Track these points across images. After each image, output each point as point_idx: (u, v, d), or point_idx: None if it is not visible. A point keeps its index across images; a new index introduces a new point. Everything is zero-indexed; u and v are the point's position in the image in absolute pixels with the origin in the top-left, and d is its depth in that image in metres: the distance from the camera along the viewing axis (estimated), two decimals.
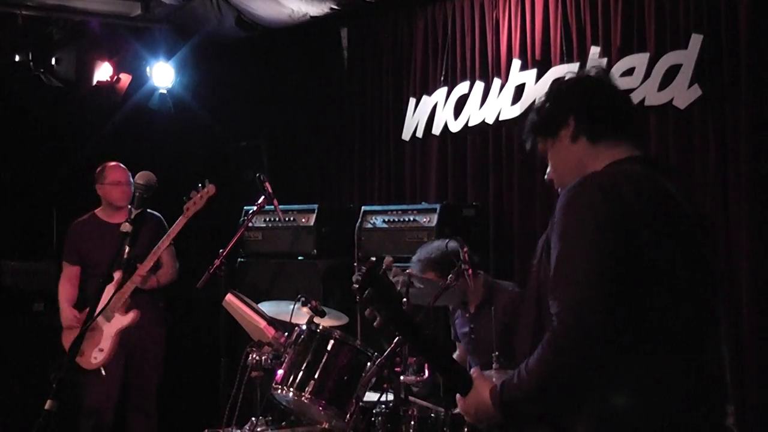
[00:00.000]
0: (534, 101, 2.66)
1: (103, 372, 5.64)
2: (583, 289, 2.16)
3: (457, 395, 2.44)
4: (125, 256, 3.14)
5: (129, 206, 3.26)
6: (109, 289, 5.29)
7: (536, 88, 5.94)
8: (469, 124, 6.42)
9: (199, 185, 5.65)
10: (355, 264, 6.18)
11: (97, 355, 5.62)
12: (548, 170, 2.58)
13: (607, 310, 2.14)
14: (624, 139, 2.45)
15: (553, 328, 2.18)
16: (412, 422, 4.36)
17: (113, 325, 5.66)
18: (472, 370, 2.45)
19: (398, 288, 4.22)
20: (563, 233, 2.25)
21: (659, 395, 2.20)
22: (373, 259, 2.41)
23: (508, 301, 4.84)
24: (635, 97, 5.38)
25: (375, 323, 3.28)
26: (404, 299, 4.59)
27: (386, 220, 6.16)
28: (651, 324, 2.21)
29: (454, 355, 5.33)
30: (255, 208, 5.28)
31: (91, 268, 5.80)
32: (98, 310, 3.25)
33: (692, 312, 2.27)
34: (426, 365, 4.64)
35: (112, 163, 5.88)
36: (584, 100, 2.49)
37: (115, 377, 5.80)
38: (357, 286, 2.39)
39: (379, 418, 4.50)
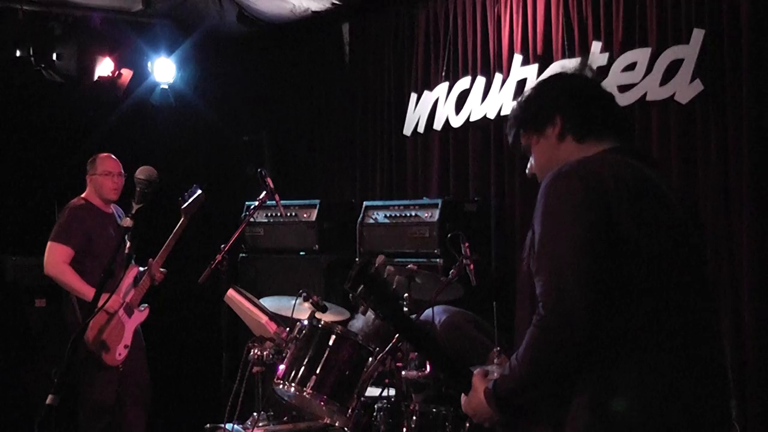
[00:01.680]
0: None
1: (122, 368, 5.64)
2: (564, 269, 2.18)
3: (462, 395, 2.45)
4: (126, 252, 3.13)
5: (131, 201, 3.24)
6: (127, 282, 5.40)
7: None
8: (471, 120, 6.41)
9: (191, 189, 5.55)
10: (357, 260, 6.19)
11: (122, 351, 5.62)
12: (530, 164, 2.59)
13: (588, 290, 2.16)
14: (609, 135, 2.46)
15: (538, 310, 2.20)
16: (414, 417, 4.37)
17: (133, 320, 5.70)
18: (476, 370, 2.45)
19: (394, 286, 4.23)
20: (543, 217, 2.28)
21: (659, 389, 2.20)
22: (366, 256, 2.41)
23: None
24: (637, 93, 5.38)
25: (379, 333, 3.29)
26: (404, 295, 4.61)
27: (388, 215, 6.16)
28: (643, 312, 2.22)
29: None
30: (256, 203, 5.27)
31: (92, 255, 5.70)
32: (98, 308, 3.24)
33: (684, 300, 2.28)
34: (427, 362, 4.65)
35: (104, 154, 5.86)
36: (572, 99, 2.50)
37: (140, 369, 5.85)
38: (349, 283, 2.40)
39: (381, 413, 4.51)
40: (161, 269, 5.68)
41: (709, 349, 2.31)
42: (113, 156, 5.88)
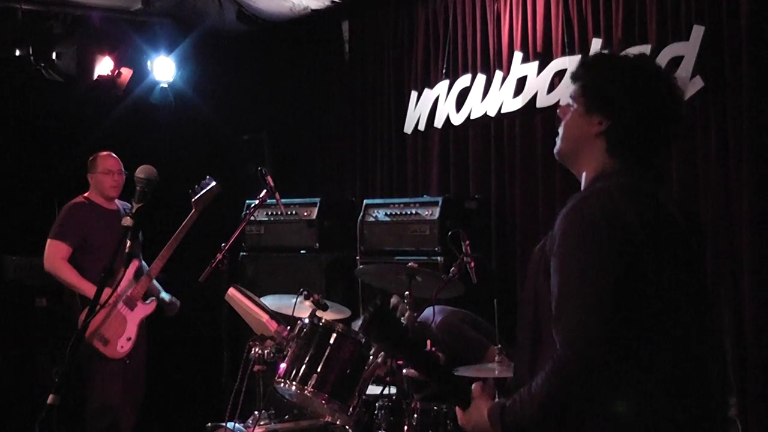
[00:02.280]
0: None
1: (128, 361, 5.64)
2: (586, 320, 2.15)
3: (458, 409, 2.45)
4: (126, 251, 3.13)
5: (131, 200, 3.24)
6: (127, 278, 5.46)
7: (538, 81, 5.94)
8: (471, 117, 6.41)
9: (205, 180, 5.62)
10: (357, 258, 6.19)
11: (124, 344, 5.62)
12: (566, 111, 2.47)
13: (610, 340, 2.14)
14: (641, 163, 2.38)
15: (558, 357, 2.17)
16: (415, 415, 4.37)
17: (137, 313, 5.69)
18: (473, 386, 2.45)
19: (404, 323, 4.26)
20: (564, 262, 2.22)
21: (662, 405, 2.21)
22: (378, 302, 2.41)
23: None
24: None
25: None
26: (408, 329, 4.63)
27: (388, 213, 6.16)
28: (652, 342, 2.21)
29: None
30: (257, 201, 5.27)
31: (90, 252, 5.71)
32: (99, 307, 3.23)
33: (695, 341, 2.28)
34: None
35: (104, 153, 5.88)
36: (636, 112, 2.35)
37: (140, 367, 5.84)
38: (364, 326, 2.40)
39: (382, 412, 4.50)
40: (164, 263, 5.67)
41: (713, 377, 2.33)
42: (113, 154, 5.89)
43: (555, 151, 2.50)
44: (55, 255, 5.69)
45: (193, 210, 5.55)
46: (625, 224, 2.20)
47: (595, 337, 2.14)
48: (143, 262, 5.80)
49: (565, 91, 2.55)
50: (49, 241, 5.73)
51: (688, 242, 2.34)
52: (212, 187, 5.53)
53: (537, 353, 2.30)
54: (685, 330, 2.26)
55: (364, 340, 4.22)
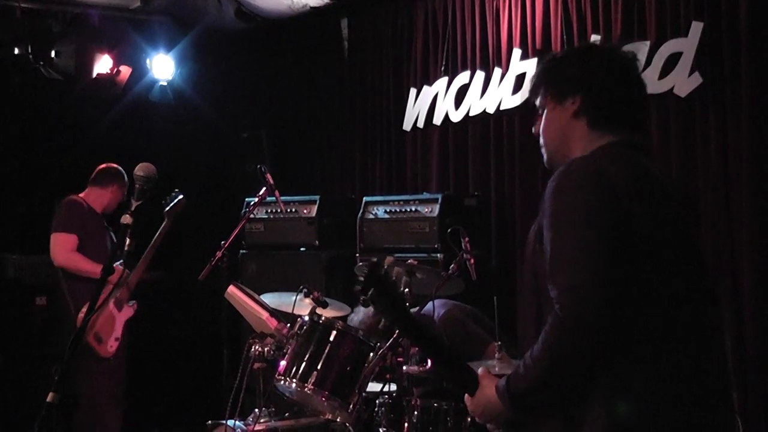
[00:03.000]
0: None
1: (112, 360, 5.78)
2: (580, 272, 2.16)
3: (466, 396, 2.43)
4: (126, 248, 3.13)
5: (130, 198, 3.24)
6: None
7: None
8: (470, 114, 6.41)
9: (173, 194, 5.76)
10: (357, 255, 6.19)
11: (113, 344, 5.76)
12: (538, 124, 2.55)
13: (605, 291, 2.14)
14: (622, 127, 2.43)
15: (554, 312, 2.18)
16: (415, 412, 4.37)
17: (123, 314, 5.84)
18: (479, 370, 2.44)
19: (402, 288, 4.23)
20: (554, 219, 2.25)
21: (673, 394, 2.20)
22: (375, 260, 2.39)
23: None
24: None
25: (380, 325, 3.27)
26: (407, 292, 4.61)
27: (388, 210, 6.16)
28: (657, 312, 2.21)
29: None
30: (256, 199, 5.27)
31: (82, 251, 5.80)
32: (98, 305, 3.23)
33: (692, 297, 2.28)
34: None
35: (121, 173, 6.03)
36: (602, 82, 2.44)
37: (121, 365, 5.94)
38: (360, 288, 2.38)
39: (382, 409, 4.50)
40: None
41: (715, 345, 2.32)
42: (126, 176, 5.99)
43: (545, 160, 2.54)
44: (65, 247, 5.75)
45: (166, 220, 5.71)
46: (609, 177, 2.23)
47: (588, 287, 2.14)
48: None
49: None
50: (55, 235, 5.78)
51: (676, 204, 2.35)
52: (180, 199, 5.70)
53: (540, 329, 2.28)
54: (681, 292, 2.26)
55: (361, 335, 4.21)
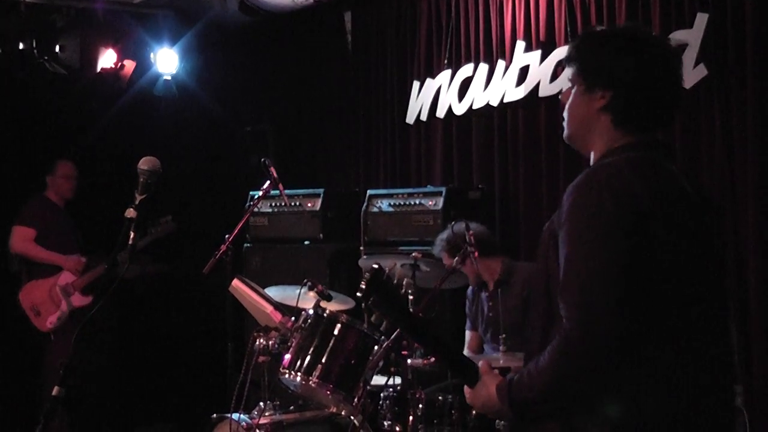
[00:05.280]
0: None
1: (52, 337, 6.42)
2: (592, 293, 2.12)
3: (465, 388, 2.43)
4: (130, 242, 3.13)
5: (134, 191, 3.23)
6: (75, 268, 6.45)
7: (540, 70, 5.92)
8: (474, 107, 6.40)
9: (164, 218, 6.39)
10: (361, 248, 6.19)
11: (53, 320, 6.40)
12: (568, 93, 2.45)
13: (617, 314, 2.10)
14: (648, 129, 2.37)
15: (564, 331, 2.14)
16: (420, 405, 4.37)
17: (71, 301, 6.45)
18: (480, 363, 2.44)
19: (402, 290, 4.23)
20: (571, 234, 2.20)
21: (670, 393, 2.18)
22: (375, 266, 2.37)
23: (526, 275, 4.87)
24: None
25: (382, 327, 3.27)
26: (409, 293, 4.60)
27: (392, 203, 6.16)
28: (663, 323, 2.18)
29: (466, 342, 5.34)
30: (260, 193, 5.27)
31: (44, 245, 6.51)
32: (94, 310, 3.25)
33: (705, 305, 2.24)
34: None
35: (63, 160, 6.77)
36: (635, 81, 2.33)
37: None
38: (361, 294, 2.36)
39: (387, 402, 4.51)
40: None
41: (721, 343, 2.30)
42: (70, 162, 6.77)
43: (564, 135, 2.48)
44: (23, 238, 6.51)
45: (146, 236, 6.26)
46: (633, 194, 2.17)
47: (600, 310, 2.10)
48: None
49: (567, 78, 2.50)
50: (15, 227, 6.54)
51: (701, 215, 2.30)
52: (168, 223, 6.40)
53: (548, 331, 2.27)
54: (698, 313, 2.22)
55: (365, 328, 4.22)
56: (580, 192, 2.23)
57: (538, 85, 5.95)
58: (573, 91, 2.43)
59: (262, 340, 4.48)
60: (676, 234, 2.19)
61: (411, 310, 2.47)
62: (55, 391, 2.95)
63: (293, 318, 4.46)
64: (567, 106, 2.45)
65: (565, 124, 2.48)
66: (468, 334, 5.35)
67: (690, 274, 2.22)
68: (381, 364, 4.21)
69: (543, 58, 5.92)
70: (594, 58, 2.39)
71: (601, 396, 2.18)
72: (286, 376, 4.21)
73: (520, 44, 6.08)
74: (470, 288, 5.27)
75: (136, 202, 3.17)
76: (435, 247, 5.14)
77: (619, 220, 2.15)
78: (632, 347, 2.12)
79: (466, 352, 5.26)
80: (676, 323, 2.19)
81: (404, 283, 4.47)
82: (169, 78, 7.41)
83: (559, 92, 5.57)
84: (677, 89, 2.40)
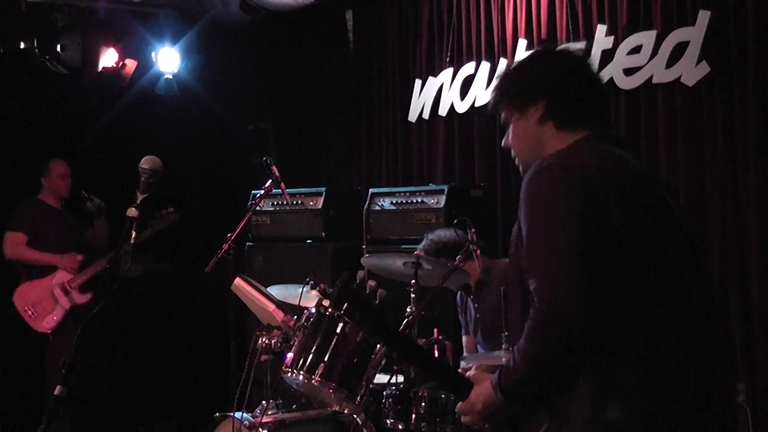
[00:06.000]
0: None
1: (51, 338, 6.36)
2: (556, 262, 2.17)
3: (459, 404, 2.42)
4: (132, 241, 3.13)
5: (135, 191, 3.23)
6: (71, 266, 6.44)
7: None
8: (476, 105, 6.40)
9: (165, 210, 6.38)
10: (363, 247, 6.18)
11: (50, 321, 6.35)
12: (507, 137, 2.56)
13: (583, 279, 2.14)
14: (589, 123, 2.43)
15: (534, 305, 2.19)
16: (423, 404, 4.37)
17: (70, 299, 6.42)
18: (472, 373, 2.44)
19: (376, 300, 4.22)
20: (529, 211, 2.26)
21: (664, 378, 2.19)
22: (346, 274, 2.37)
23: (502, 270, 4.86)
24: (643, 75, 5.36)
25: (358, 338, 3.27)
26: (411, 291, 4.58)
27: (394, 202, 6.15)
28: (641, 300, 2.20)
29: (464, 347, 5.33)
30: (262, 191, 5.27)
31: (40, 247, 6.49)
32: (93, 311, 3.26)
33: (679, 284, 2.26)
34: (435, 349, 4.64)
35: (57, 160, 6.71)
36: (560, 83, 2.45)
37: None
38: (331, 302, 2.37)
39: (390, 400, 4.51)
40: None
41: (709, 333, 2.30)
42: (64, 161, 6.72)
43: (521, 172, 2.52)
44: (13, 243, 6.50)
45: (147, 230, 6.24)
46: (582, 166, 2.24)
47: (565, 279, 2.14)
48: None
49: None
50: (6, 233, 6.53)
51: (655, 190, 2.35)
52: (169, 214, 6.42)
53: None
54: (668, 279, 2.25)
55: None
56: (535, 173, 2.30)
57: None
58: (510, 127, 2.52)
59: (264, 339, 4.49)
60: (629, 201, 2.24)
61: (385, 318, 2.47)
62: (57, 390, 2.95)
63: (295, 317, 4.46)
64: (512, 144, 2.54)
65: (517, 161, 2.54)
66: (464, 339, 5.35)
67: (654, 244, 2.25)
68: (384, 362, 4.20)
69: None
70: (515, 84, 2.50)
71: (586, 387, 2.20)
72: (289, 374, 4.20)
73: (522, 42, 6.07)
74: (458, 294, 5.26)
75: (138, 201, 3.18)
76: (429, 245, 5.05)
77: (574, 192, 2.21)
78: (605, 316, 2.15)
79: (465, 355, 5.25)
80: (649, 297, 2.21)
81: (378, 293, 4.44)
82: (170, 77, 7.40)
83: None
84: (599, 82, 2.51)
